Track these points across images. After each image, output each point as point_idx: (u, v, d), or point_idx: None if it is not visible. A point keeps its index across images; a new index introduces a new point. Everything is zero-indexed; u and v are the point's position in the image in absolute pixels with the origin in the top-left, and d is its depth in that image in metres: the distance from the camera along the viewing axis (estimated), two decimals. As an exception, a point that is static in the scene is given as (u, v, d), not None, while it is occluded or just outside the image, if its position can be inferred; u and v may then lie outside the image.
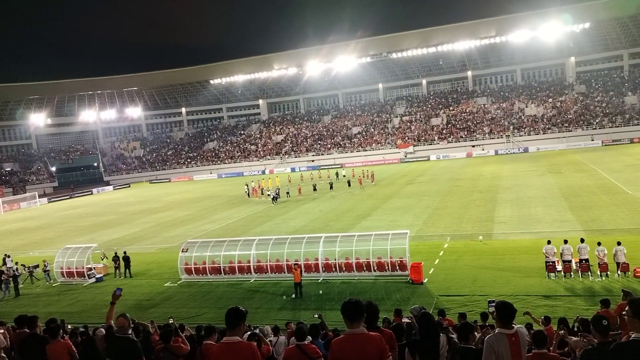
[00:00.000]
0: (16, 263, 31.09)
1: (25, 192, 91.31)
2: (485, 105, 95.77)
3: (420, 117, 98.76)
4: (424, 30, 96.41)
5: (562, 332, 9.67)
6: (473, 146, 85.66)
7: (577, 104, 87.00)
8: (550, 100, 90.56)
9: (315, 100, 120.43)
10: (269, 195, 54.03)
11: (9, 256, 33.30)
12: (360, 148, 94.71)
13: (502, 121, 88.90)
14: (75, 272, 29.37)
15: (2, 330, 9.61)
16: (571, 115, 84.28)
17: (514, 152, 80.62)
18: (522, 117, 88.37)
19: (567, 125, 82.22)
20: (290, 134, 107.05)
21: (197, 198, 64.68)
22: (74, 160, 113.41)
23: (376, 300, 20.64)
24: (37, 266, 30.98)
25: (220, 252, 27.20)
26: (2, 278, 28.15)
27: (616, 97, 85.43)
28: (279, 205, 49.92)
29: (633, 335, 4.68)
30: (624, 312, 5.78)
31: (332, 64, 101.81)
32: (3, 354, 9.13)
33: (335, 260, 24.90)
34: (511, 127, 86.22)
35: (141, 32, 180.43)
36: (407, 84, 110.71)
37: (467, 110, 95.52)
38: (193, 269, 27.04)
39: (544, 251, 21.38)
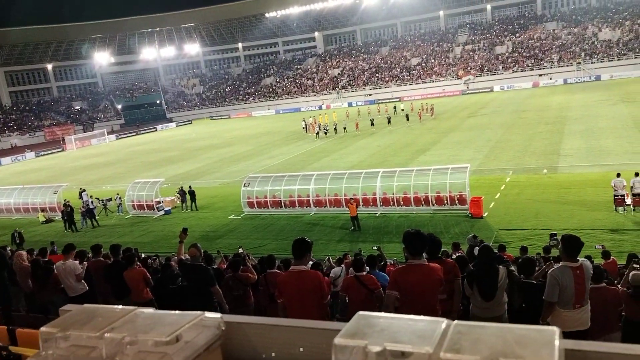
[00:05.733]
0: (91, 197, 33.12)
1: (94, 130, 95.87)
2: (555, 31, 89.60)
3: (483, 45, 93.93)
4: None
5: (636, 265, 9.36)
6: (540, 75, 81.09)
7: (659, 26, 79.78)
8: (627, 22, 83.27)
9: (372, 31, 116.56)
10: (326, 131, 54.15)
11: (84, 190, 35.48)
12: (419, 80, 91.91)
13: (573, 47, 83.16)
14: (145, 205, 31.10)
15: (76, 260, 10.27)
16: (651, 38, 77.60)
17: (584, 81, 75.66)
18: (595, 43, 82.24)
19: (645, 50, 75.95)
20: (347, 67, 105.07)
21: (256, 134, 65.73)
22: (137, 97, 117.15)
23: (435, 233, 20.77)
24: (110, 199, 32.99)
25: (281, 186, 27.91)
26: (81, 211, 30.22)
27: None
28: (337, 140, 50.00)
29: None
30: None
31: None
32: (73, 282, 9.88)
33: (394, 194, 25.00)
34: (583, 54, 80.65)
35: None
36: (470, 10, 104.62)
37: (535, 37, 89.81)
38: (255, 202, 27.97)
39: (613, 184, 20.49)
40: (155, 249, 22.71)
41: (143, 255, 16.64)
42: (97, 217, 30.50)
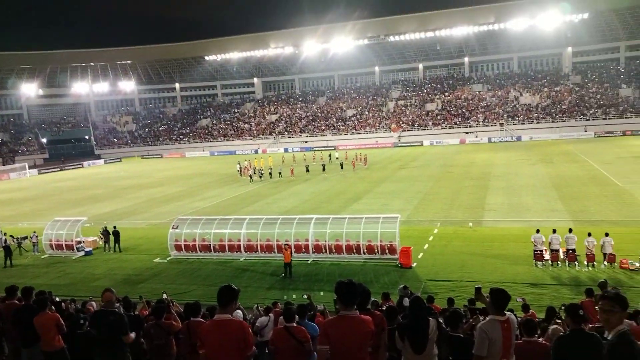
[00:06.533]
0: (4, 234, 30.83)
1: (15, 163, 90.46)
2: (481, 93, 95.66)
3: (415, 101, 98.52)
4: (423, 14, 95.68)
5: (558, 320, 9.71)
6: (467, 133, 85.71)
7: (572, 94, 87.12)
8: (545, 89, 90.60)
9: (310, 80, 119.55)
10: (261, 175, 54.06)
11: (-3, 227, 33.05)
12: (354, 131, 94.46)
13: (497, 109, 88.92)
14: (64, 245, 29.27)
15: None
16: (565, 105, 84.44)
17: (507, 141, 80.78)
18: (517, 106, 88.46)
19: (561, 115, 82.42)
20: (285, 114, 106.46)
21: (188, 175, 64.42)
22: (65, 132, 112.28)
23: (365, 282, 20.77)
24: (25, 237, 30.80)
25: (211, 229, 27.19)
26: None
27: (611, 89, 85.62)
28: (271, 185, 49.88)
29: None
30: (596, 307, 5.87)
31: (329, 45, 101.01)
32: None
33: (326, 242, 24.96)
34: (505, 115, 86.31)
35: (136, 3, 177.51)
36: (404, 68, 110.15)
37: (462, 97, 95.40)
38: (183, 245, 27.02)
39: (533, 240, 21.56)
40: (72, 292, 21.22)
41: (57, 299, 15.45)
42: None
